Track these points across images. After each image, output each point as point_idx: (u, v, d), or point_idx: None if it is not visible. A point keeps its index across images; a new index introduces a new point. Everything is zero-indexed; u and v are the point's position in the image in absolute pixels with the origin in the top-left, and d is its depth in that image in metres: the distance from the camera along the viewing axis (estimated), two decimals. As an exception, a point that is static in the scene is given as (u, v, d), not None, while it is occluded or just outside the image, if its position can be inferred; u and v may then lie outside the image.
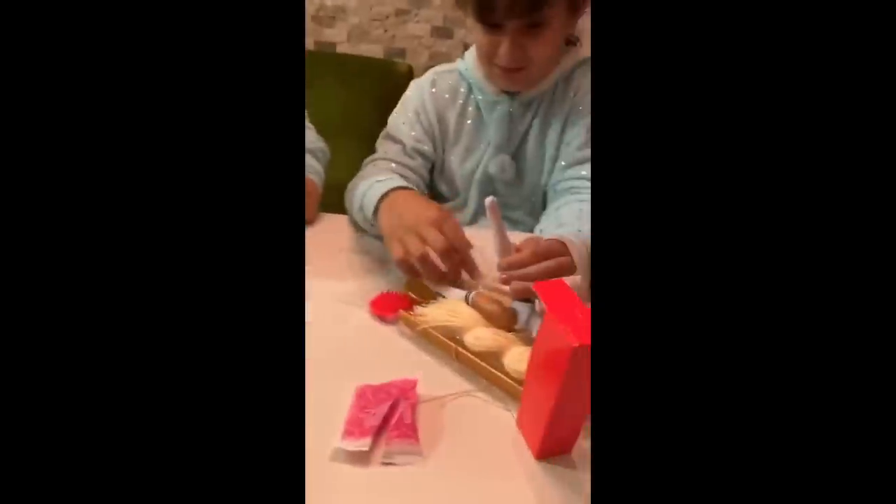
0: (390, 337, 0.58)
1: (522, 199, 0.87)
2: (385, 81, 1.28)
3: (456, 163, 0.87)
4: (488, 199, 0.60)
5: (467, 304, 0.57)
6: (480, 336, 0.52)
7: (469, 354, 0.52)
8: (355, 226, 0.80)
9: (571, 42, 0.85)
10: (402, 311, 0.58)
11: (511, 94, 0.83)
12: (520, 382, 0.49)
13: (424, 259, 0.57)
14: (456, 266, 0.59)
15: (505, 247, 0.61)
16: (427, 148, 0.86)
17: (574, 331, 0.39)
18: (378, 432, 0.46)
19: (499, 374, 0.50)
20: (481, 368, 0.51)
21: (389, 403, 0.47)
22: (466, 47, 0.95)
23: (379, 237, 0.70)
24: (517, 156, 0.85)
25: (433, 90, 0.87)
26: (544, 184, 0.85)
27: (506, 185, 0.87)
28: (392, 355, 0.56)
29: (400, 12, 1.73)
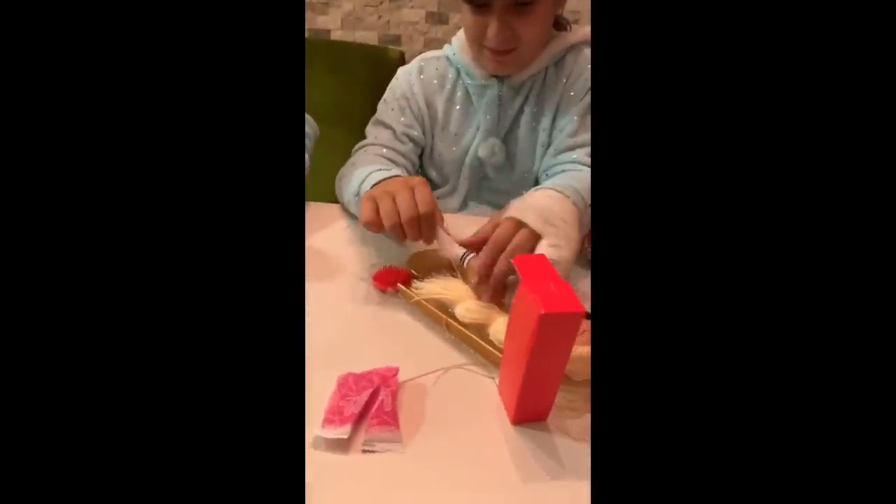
0: (391, 315, 0.61)
1: (513, 183, 0.87)
2: (377, 68, 1.26)
3: (445, 148, 0.87)
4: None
5: (462, 265, 0.60)
6: (470, 308, 0.55)
7: (458, 325, 0.55)
8: (348, 212, 0.80)
9: (562, 26, 0.84)
10: (399, 285, 0.61)
11: (500, 78, 0.82)
12: (503, 352, 0.51)
13: (394, 226, 0.58)
14: (423, 233, 0.60)
15: (451, 249, 0.62)
16: (417, 133, 0.86)
17: (542, 300, 0.40)
18: (358, 420, 0.45)
19: (484, 343, 0.53)
20: (469, 339, 0.54)
21: (370, 391, 0.47)
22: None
23: None
24: (507, 140, 0.85)
25: (421, 76, 0.87)
26: (536, 169, 0.85)
27: (496, 170, 0.86)
28: (393, 330, 0.58)
29: (394, -2, 1.71)
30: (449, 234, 0.61)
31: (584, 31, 0.83)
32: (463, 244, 0.61)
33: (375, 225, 0.59)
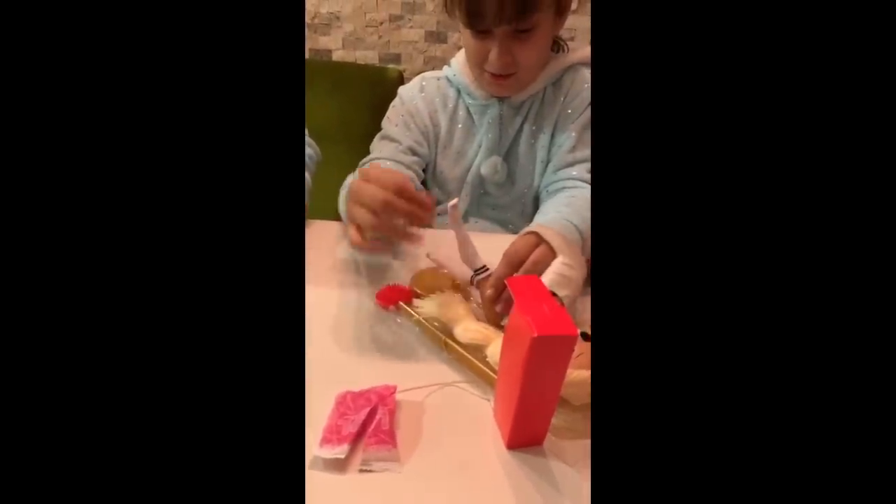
0: (392, 332, 0.61)
1: (513, 199, 0.88)
2: (377, 87, 1.28)
3: (447, 166, 0.88)
4: (451, 202, 0.59)
5: (472, 284, 0.60)
6: (468, 328, 0.55)
7: (456, 345, 0.55)
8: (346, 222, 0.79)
9: (560, 48, 0.85)
10: (401, 303, 0.61)
11: (500, 98, 0.84)
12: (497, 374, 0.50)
13: (375, 227, 0.55)
14: (405, 214, 0.55)
15: (467, 253, 0.62)
16: (422, 149, 0.87)
17: (535, 322, 0.39)
18: (356, 439, 0.45)
19: (481, 365, 0.52)
20: (466, 360, 0.54)
21: (368, 409, 0.47)
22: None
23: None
24: (508, 158, 0.86)
25: (423, 94, 0.88)
26: (536, 186, 0.86)
27: (497, 187, 0.87)
28: (393, 348, 0.58)
29: (394, 18, 1.73)
30: (468, 238, 0.61)
31: (581, 51, 0.84)
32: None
33: (359, 243, 0.57)
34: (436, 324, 0.57)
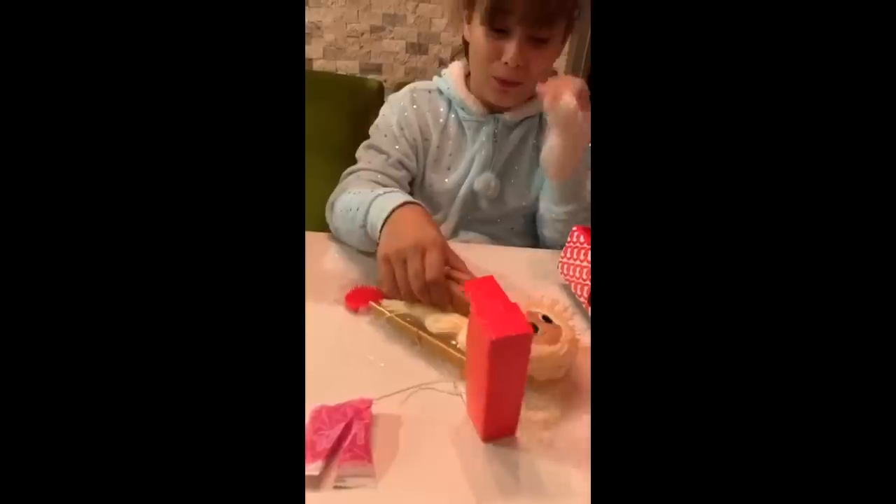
0: (364, 339, 0.61)
1: (503, 215, 0.88)
2: (356, 98, 1.27)
3: (437, 179, 0.87)
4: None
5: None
6: (438, 319, 0.58)
7: (429, 337, 0.56)
8: (339, 238, 0.78)
9: (553, 73, 0.86)
10: (371, 302, 0.62)
11: (495, 115, 0.84)
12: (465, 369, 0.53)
13: (406, 295, 0.60)
14: (434, 298, 0.61)
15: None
16: (410, 162, 0.86)
17: (492, 325, 0.41)
18: (330, 455, 0.44)
19: (454, 352, 0.54)
20: (440, 349, 0.56)
21: (343, 425, 0.46)
22: (441, 63, 0.95)
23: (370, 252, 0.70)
24: (501, 175, 0.86)
25: (414, 106, 0.87)
26: (527, 204, 0.86)
27: (489, 202, 0.87)
28: (366, 355, 0.58)
29: (375, 29, 1.74)
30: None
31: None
32: None
33: (394, 294, 0.61)
34: (407, 319, 0.59)
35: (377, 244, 0.65)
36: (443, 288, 0.60)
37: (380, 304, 0.61)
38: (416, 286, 0.59)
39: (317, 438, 0.45)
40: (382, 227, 0.65)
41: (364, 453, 0.44)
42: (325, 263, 0.75)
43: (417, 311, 0.59)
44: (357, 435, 0.45)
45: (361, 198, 0.71)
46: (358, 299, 0.63)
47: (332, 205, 0.78)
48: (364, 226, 0.69)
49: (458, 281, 0.60)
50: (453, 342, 0.56)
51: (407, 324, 0.58)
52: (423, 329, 0.57)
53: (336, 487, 0.43)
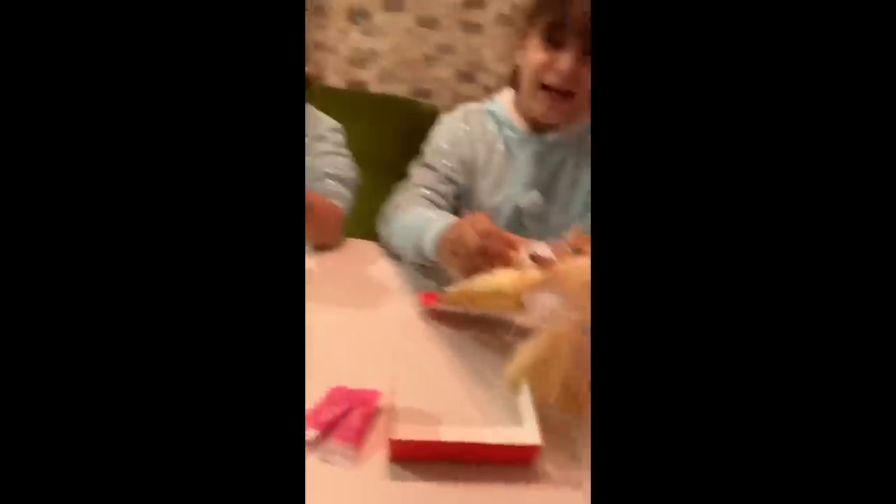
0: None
1: (547, 233, 0.91)
2: (409, 119, 1.36)
3: (484, 196, 0.93)
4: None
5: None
6: (504, 274, 0.60)
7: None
8: (392, 251, 0.87)
9: None
10: (440, 295, 0.69)
11: (540, 134, 0.89)
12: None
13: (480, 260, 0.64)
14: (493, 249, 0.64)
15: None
16: (459, 178, 0.92)
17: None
18: (327, 428, 0.47)
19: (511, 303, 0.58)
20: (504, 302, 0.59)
21: (347, 406, 0.49)
22: (487, 90, 1.02)
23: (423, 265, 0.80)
24: (546, 193, 0.91)
25: (466, 126, 0.94)
26: (569, 224, 0.89)
27: (533, 220, 0.92)
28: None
29: (427, 57, 1.84)
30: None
31: None
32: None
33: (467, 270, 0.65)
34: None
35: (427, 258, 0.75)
36: (497, 238, 0.64)
37: (448, 294, 0.66)
38: (472, 243, 0.64)
39: (322, 409, 0.49)
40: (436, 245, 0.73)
41: (353, 437, 0.46)
42: (394, 268, 0.83)
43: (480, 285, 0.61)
44: (354, 418, 0.48)
45: (414, 219, 0.80)
46: (430, 296, 0.71)
47: (387, 219, 0.87)
48: (417, 245, 0.77)
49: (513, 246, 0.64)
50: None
51: (478, 294, 0.61)
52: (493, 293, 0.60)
53: (321, 460, 0.45)
